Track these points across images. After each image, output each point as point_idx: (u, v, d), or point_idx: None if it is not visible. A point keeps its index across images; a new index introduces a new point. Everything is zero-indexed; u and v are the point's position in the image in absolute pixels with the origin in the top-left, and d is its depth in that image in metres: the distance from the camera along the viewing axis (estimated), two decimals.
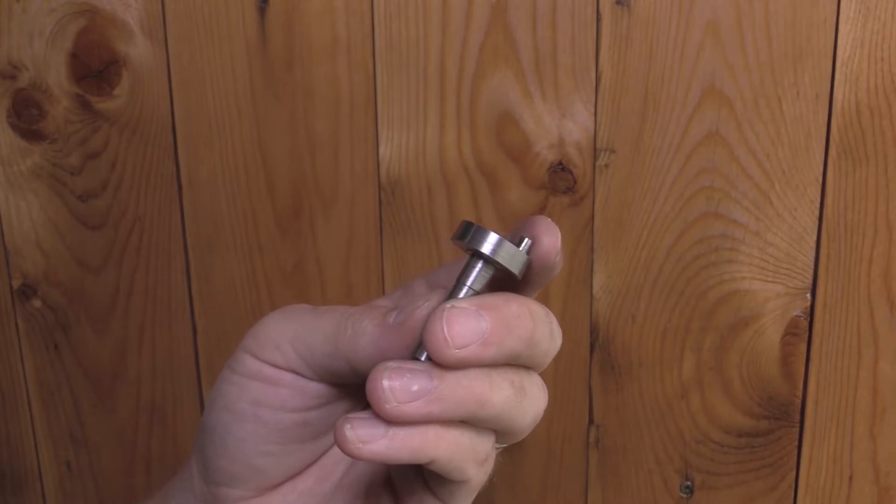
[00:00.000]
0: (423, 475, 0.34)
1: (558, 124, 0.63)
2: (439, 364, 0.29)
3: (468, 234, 0.30)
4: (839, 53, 0.60)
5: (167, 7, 0.63)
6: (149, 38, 0.63)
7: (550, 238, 0.31)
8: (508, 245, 0.30)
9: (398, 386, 0.28)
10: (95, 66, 0.64)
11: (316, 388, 0.33)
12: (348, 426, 0.29)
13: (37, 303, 0.70)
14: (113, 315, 0.70)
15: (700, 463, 0.69)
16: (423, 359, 0.29)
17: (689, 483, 0.70)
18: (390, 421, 0.28)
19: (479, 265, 0.30)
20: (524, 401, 0.31)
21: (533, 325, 0.30)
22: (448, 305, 0.28)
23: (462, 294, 0.30)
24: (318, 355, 0.32)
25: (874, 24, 0.59)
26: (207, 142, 0.65)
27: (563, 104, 0.62)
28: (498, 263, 0.30)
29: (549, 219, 0.31)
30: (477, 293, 0.30)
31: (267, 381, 0.33)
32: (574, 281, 0.66)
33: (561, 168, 0.64)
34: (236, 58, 0.63)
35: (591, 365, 0.68)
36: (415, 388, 0.28)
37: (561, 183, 0.64)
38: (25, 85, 0.65)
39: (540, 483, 0.71)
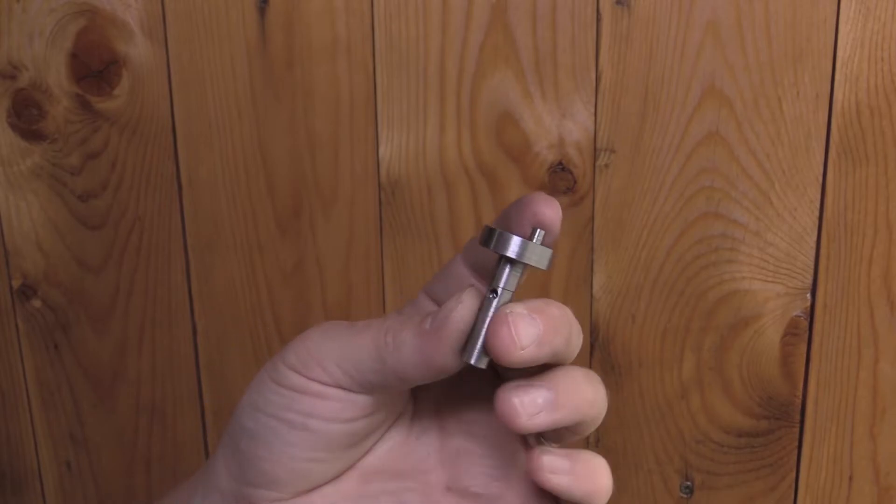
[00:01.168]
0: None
1: (558, 124, 0.63)
2: (504, 363, 0.32)
3: (492, 241, 0.32)
4: (839, 53, 0.60)
5: (167, 7, 0.63)
6: (149, 38, 0.63)
7: (551, 212, 0.33)
8: (532, 245, 0.32)
9: (527, 401, 0.32)
10: (95, 66, 0.64)
11: (363, 400, 0.34)
12: (546, 458, 0.33)
13: (37, 303, 0.70)
14: (113, 315, 0.70)
15: (700, 463, 0.69)
16: (472, 361, 0.32)
17: (689, 483, 0.70)
18: (526, 431, 0.33)
19: (509, 268, 0.33)
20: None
21: (569, 325, 0.33)
22: (509, 311, 0.31)
23: (499, 295, 0.33)
24: (364, 371, 0.33)
25: (874, 24, 0.59)
26: (207, 142, 0.65)
27: (563, 104, 0.62)
28: (527, 264, 0.33)
29: (544, 193, 0.34)
30: (512, 293, 0.33)
31: (315, 395, 0.34)
32: (574, 281, 0.66)
33: (561, 168, 0.64)
34: (236, 58, 0.63)
35: (591, 365, 0.68)
36: (540, 400, 0.32)
37: (561, 183, 0.64)
38: (25, 85, 0.65)
39: None
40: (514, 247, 0.32)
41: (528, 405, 0.32)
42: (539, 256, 0.32)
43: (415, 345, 0.32)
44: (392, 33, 0.62)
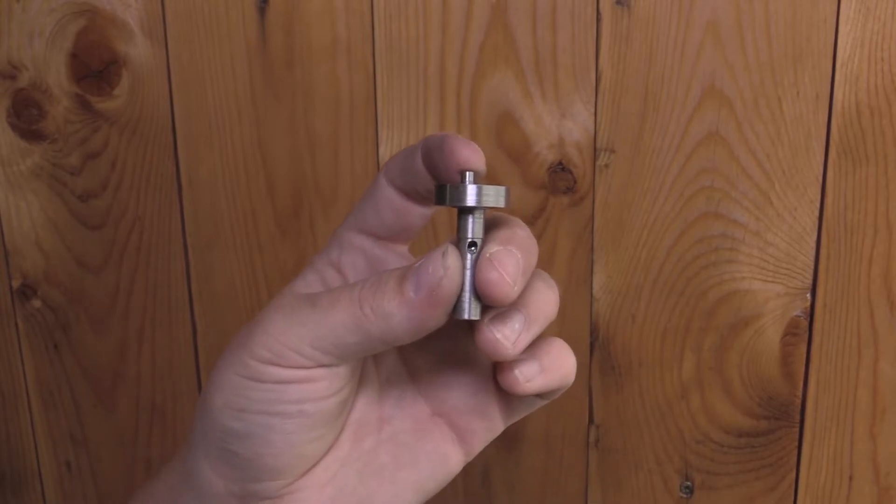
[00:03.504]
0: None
1: (558, 124, 0.63)
2: (500, 305, 0.33)
3: (447, 197, 0.33)
4: (839, 53, 0.60)
5: (167, 7, 0.63)
6: (149, 38, 0.63)
7: (476, 156, 0.34)
8: (486, 188, 0.33)
9: (507, 331, 0.34)
10: (95, 66, 0.64)
11: (347, 370, 0.35)
12: (517, 371, 0.35)
13: (37, 303, 0.70)
14: (113, 315, 0.70)
15: (700, 463, 0.69)
16: (468, 316, 0.33)
17: (689, 483, 0.69)
18: (512, 358, 0.34)
19: (472, 217, 0.33)
20: None
21: (531, 240, 0.34)
22: (488, 255, 0.33)
23: (479, 246, 0.34)
24: (346, 346, 0.33)
25: (874, 23, 0.59)
26: (207, 142, 0.65)
27: (563, 104, 0.62)
28: (488, 207, 0.33)
29: (457, 136, 0.35)
30: (482, 238, 0.34)
31: (301, 381, 0.33)
32: (574, 281, 0.66)
33: (561, 168, 0.64)
34: (236, 58, 0.63)
35: (591, 365, 0.68)
36: (517, 325, 0.34)
37: (561, 183, 0.64)
38: (25, 85, 0.65)
39: (539, 483, 0.71)
40: (471, 196, 0.33)
41: (510, 334, 0.34)
42: (496, 196, 0.33)
43: (404, 314, 0.33)
44: (392, 33, 0.62)
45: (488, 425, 0.39)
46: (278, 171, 0.65)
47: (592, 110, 0.62)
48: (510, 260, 0.33)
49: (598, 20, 0.61)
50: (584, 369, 0.68)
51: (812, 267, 0.64)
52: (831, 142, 0.61)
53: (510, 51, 0.61)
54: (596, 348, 0.67)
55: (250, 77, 0.64)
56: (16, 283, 0.69)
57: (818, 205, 0.63)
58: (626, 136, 0.63)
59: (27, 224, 0.68)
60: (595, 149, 0.63)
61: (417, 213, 0.38)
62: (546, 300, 0.35)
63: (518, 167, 0.64)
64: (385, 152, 0.64)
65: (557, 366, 0.36)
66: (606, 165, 0.63)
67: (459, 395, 0.39)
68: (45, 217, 0.68)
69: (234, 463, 0.34)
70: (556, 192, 0.64)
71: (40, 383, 0.72)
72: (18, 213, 0.68)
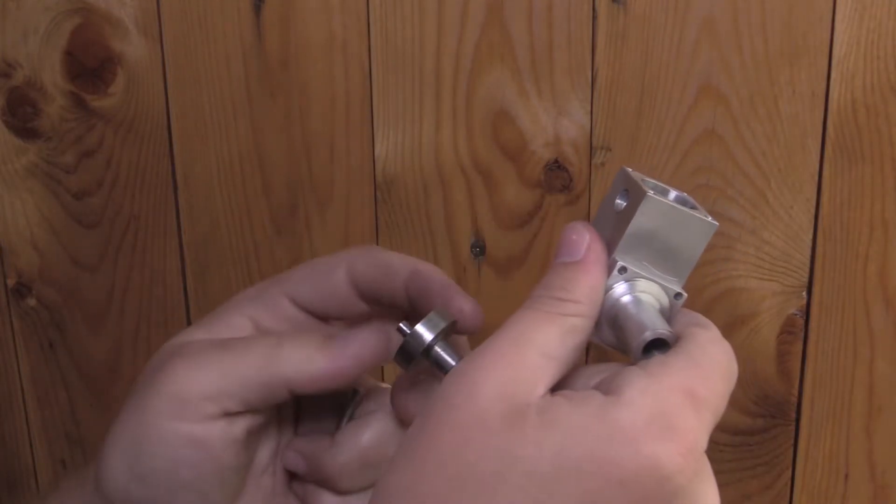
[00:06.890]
0: None
1: (554, 122, 0.63)
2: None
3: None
4: (835, 51, 0.60)
5: (162, 5, 0.63)
6: (144, 35, 0.63)
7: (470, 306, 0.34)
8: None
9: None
10: (90, 64, 0.64)
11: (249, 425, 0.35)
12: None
13: (32, 301, 0.70)
14: (108, 314, 0.69)
15: None
16: None
17: None
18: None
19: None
20: None
21: None
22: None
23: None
24: (254, 388, 0.33)
25: (870, 22, 0.59)
26: (203, 140, 0.65)
27: (559, 102, 0.62)
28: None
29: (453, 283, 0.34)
30: None
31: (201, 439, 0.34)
32: None
33: (557, 166, 0.64)
34: (232, 56, 0.63)
35: (588, 363, 0.68)
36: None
37: (557, 181, 0.64)
38: (20, 83, 0.64)
39: None
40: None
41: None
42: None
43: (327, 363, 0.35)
44: (388, 31, 0.62)
45: None
46: (274, 169, 0.65)
47: (588, 108, 0.62)
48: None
49: (594, 18, 0.61)
50: None
51: (808, 265, 0.64)
52: (827, 140, 0.61)
53: (506, 49, 0.61)
54: (593, 346, 0.67)
55: (246, 75, 0.63)
56: (11, 282, 0.69)
57: (814, 203, 0.63)
58: (623, 134, 0.63)
59: (22, 222, 0.68)
60: (591, 147, 0.63)
61: (362, 310, 0.37)
62: None
63: (514, 165, 0.64)
64: (381, 150, 0.64)
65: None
66: (602, 163, 0.63)
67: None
68: (41, 215, 0.68)
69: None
70: (552, 191, 0.64)
71: (35, 382, 0.72)
72: (13, 212, 0.68)
